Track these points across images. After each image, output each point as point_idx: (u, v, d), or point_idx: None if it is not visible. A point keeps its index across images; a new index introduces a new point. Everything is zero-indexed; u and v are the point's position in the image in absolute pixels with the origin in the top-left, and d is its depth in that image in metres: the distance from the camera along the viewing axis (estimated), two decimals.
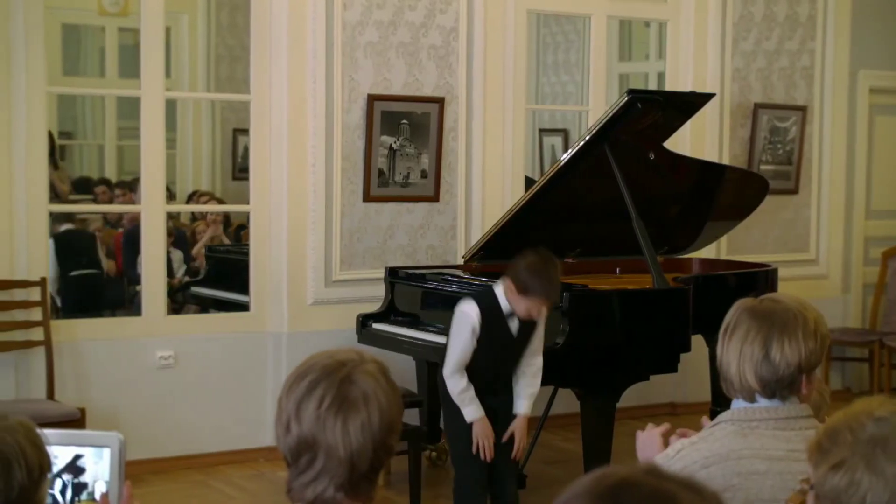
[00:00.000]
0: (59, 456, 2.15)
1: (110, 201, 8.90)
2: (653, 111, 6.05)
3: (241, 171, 9.70)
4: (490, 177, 7.31)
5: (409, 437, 5.80)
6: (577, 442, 5.86)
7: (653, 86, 9.08)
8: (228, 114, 10.14)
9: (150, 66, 6.54)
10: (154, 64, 6.55)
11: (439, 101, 7.08)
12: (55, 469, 2.12)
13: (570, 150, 6.07)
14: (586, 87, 8.04)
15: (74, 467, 2.16)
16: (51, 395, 6.15)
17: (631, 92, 5.91)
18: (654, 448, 2.82)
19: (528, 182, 7.46)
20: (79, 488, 2.18)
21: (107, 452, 2.17)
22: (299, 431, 2.04)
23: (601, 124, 5.89)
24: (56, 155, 8.62)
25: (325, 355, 2.13)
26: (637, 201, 5.89)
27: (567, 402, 6.32)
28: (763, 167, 8.13)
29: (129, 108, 9.25)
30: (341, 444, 2.03)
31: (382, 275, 6.68)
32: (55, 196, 7.84)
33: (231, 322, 6.92)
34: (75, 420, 5.87)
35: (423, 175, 7.09)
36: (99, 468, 2.17)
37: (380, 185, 6.98)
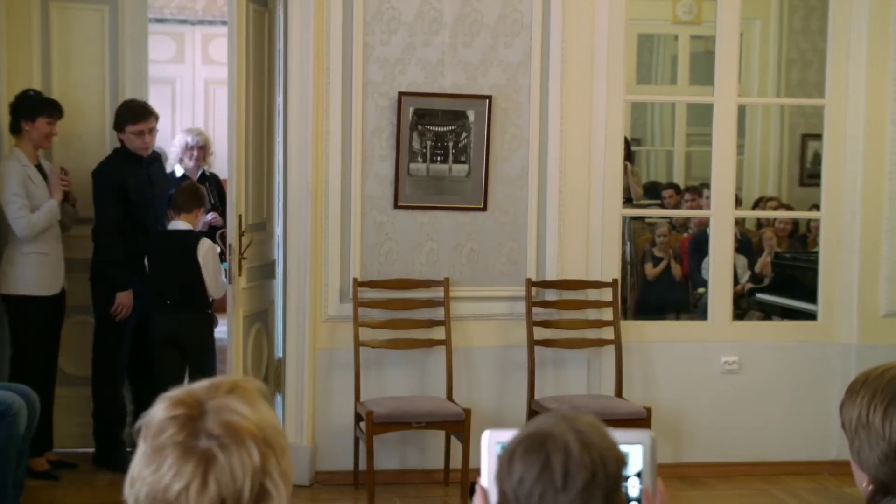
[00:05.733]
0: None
1: (677, 206, 9.08)
2: None
3: (809, 177, 9.51)
4: None
5: None
6: None
7: None
8: (797, 119, 9.97)
9: (723, 72, 6.59)
10: (728, 70, 6.59)
11: None
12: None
13: None
14: None
15: None
16: (619, 392, 6.37)
17: None
18: None
19: None
20: None
21: (639, 449, 2.21)
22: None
23: None
24: (630, 160, 8.92)
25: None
26: None
27: None
28: None
29: (699, 115, 9.40)
30: None
31: None
32: (627, 200, 8.12)
33: (797, 330, 6.82)
34: (641, 419, 6.02)
35: None
36: (630, 466, 2.21)
37: None
